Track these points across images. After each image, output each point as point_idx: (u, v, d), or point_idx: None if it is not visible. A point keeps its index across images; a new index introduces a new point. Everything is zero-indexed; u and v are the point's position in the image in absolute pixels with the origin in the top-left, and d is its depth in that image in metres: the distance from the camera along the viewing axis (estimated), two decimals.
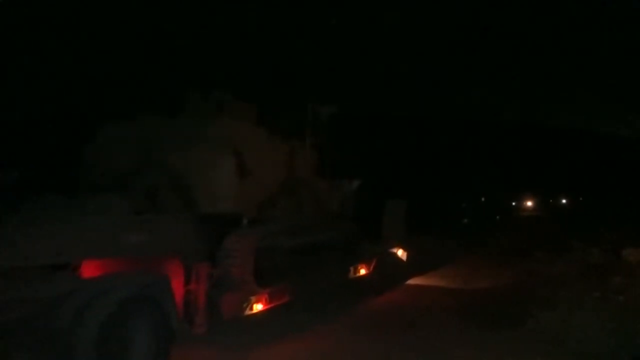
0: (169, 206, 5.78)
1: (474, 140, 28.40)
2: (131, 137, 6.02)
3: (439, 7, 9.74)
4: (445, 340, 6.59)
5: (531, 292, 9.11)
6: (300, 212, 7.21)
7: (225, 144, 5.79)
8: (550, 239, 17.99)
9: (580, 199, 56.60)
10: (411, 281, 11.30)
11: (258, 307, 5.90)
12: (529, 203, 57.68)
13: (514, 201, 50.37)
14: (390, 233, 10.86)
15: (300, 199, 7.19)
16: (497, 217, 27.55)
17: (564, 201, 60.93)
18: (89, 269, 4.75)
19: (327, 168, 8.11)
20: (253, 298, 5.80)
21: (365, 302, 9.00)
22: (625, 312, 6.81)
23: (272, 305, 6.19)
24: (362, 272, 9.14)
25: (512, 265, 13.07)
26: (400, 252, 11.12)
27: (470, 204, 25.17)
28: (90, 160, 6.05)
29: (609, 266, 10.75)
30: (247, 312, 5.75)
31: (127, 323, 4.49)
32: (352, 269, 8.73)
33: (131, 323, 4.54)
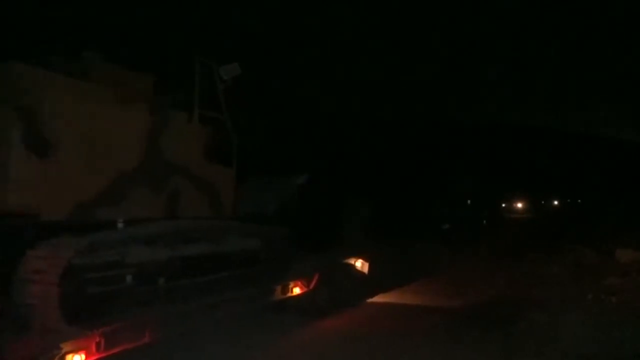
0: None
1: (460, 140, 26.74)
2: None
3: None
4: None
5: (524, 294, 9.00)
6: (176, 213, 5.09)
7: (10, 103, 3.68)
8: (541, 242, 17.42)
9: (568, 200, 56.52)
10: (375, 299, 9.44)
11: (77, 358, 3.74)
12: (519, 205, 56.52)
13: (503, 203, 48.77)
14: (348, 240, 8.86)
15: (177, 194, 5.06)
16: (484, 220, 25.70)
17: (555, 203, 60.10)
18: None
19: (231, 153, 6.00)
20: (65, 345, 3.65)
21: (301, 329, 7.03)
22: (618, 313, 6.93)
23: (111, 352, 4.02)
24: (297, 290, 7.05)
25: (500, 274, 12.02)
26: (359, 264, 9.21)
27: (452, 207, 23.14)
28: None
29: (602, 267, 10.88)
30: None
31: None
32: (279, 287, 6.61)
33: None
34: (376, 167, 16.15)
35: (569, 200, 58.09)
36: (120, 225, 4.37)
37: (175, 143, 5.07)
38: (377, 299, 9.38)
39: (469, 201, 26.46)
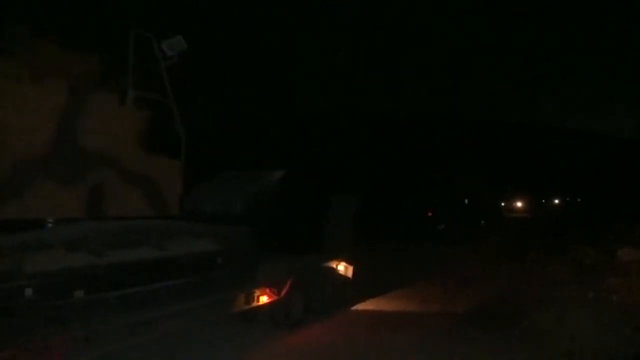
0: None
1: (457, 138, 26.07)
2: None
3: None
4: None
5: (524, 293, 8.98)
6: (102, 211, 4.27)
7: None
8: (542, 241, 16.94)
9: (569, 199, 56.27)
10: (360, 306, 8.67)
11: None
12: (519, 204, 55.98)
13: (503, 202, 47.97)
14: (329, 241, 8.08)
15: (102, 189, 4.23)
16: (483, 221, 24.89)
17: (556, 201, 59.63)
18: None
19: (179, 142, 5.19)
20: None
21: (269, 344, 6.26)
22: (619, 312, 6.95)
23: None
24: (264, 299, 6.23)
25: (499, 274, 11.56)
26: (342, 267, 8.47)
27: (449, 207, 22.27)
28: None
29: (603, 266, 10.92)
30: None
31: None
32: (242, 296, 5.79)
33: None
34: (366, 164, 15.33)
35: (569, 199, 57.91)
36: (17, 226, 3.56)
37: (101, 129, 4.25)
38: (362, 305, 8.63)
39: (466, 200, 25.62)
